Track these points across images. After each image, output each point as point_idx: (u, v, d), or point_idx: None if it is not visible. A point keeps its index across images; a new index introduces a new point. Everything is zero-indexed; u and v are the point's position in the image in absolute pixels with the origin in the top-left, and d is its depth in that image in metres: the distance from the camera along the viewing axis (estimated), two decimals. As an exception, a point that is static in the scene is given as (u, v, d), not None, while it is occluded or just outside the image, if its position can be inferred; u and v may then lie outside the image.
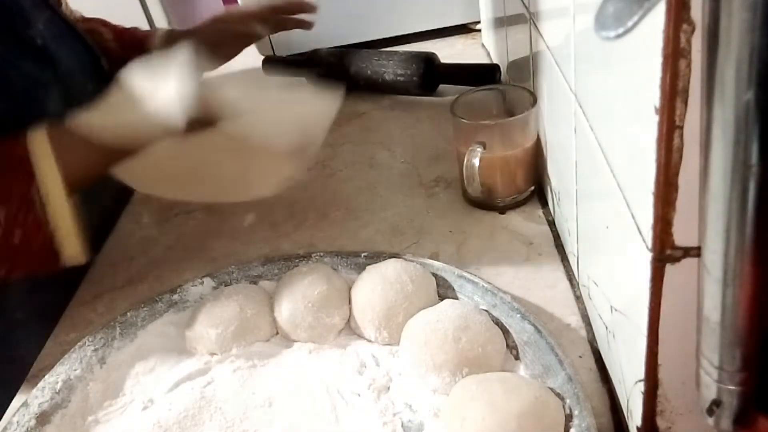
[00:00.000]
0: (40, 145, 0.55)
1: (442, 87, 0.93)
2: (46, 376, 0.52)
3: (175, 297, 0.58)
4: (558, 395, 0.43)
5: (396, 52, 0.94)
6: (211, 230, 0.72)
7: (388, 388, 0.49)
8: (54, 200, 0.54)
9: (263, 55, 1.07)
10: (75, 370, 0.53)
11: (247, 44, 0.87)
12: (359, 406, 0.48)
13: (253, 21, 0.83)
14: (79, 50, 0.76)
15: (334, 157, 0.82)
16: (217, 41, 0.82)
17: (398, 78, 0.92)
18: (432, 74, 0.92)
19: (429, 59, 0.92)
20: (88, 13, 0.87)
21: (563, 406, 0.43)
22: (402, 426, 0.46)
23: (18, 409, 0.50)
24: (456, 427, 0.42)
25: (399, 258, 0.57)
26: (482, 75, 0.89)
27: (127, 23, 0.91)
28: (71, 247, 0.55)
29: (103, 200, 0.77)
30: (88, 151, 0.56)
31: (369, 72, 0.93)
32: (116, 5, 0.92)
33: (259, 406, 0.49)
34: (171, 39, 0.85)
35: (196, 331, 0.54)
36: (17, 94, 0.65)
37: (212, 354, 0.53)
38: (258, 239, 0.68)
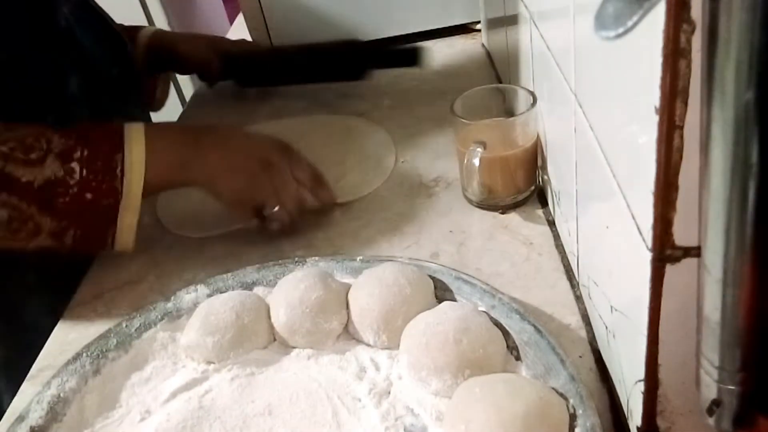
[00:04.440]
0: (136, 132, 0.60)
1: (436, 83, 0.93)
2: (42, 389, 0.51)
3: (169, 305, 0.57)
4: (561, 395, 0.43)
5: (319, 43, 0.96)
6: (211, 230, 0.72)
7: (389, 393, 0.48)
8: (131, 183, 0.58)
9: None
10: (70, 382, 0.52)
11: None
12: (360, 411, 0.47)
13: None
14: (104, 35, 0.79)
15: (334, 157, 0.82)
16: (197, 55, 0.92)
17: (324, 67, 0.95)
18: (356, 59, 0.95)
19: (352, 44, 0.95)
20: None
21: (567, 406, 0.43)
22: (405, 430, 0.45)
23: (13, 423, 0.49)
24: (461, 429, 0.42)
25: (395, 261, 0.57)
26: (405, 58, 0.93)
27: (128, 23, 0.91)
28: (127, 233, 0.60)
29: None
30: (173, 170, 0.62)
31: (295, 67, 0.96)
32: (116, 5, 0.92)
33: (258, 414, 0.48)
34: (155, 41, 0.90)
35: (192, 340, 0.53)
36: (40, 76, 0.67)
37: (209, 363, 0.53)
38: (258, 239, 0.68)
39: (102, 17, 0.80)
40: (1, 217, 0.56)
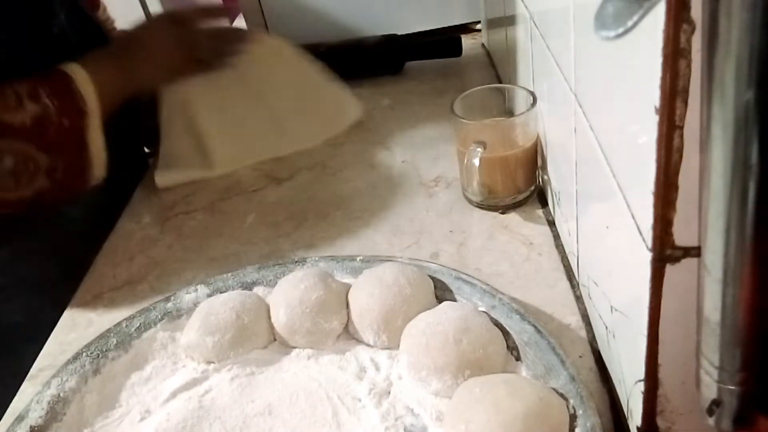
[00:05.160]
0: (76, 67, 0.67)
1: (436, 83, 0.93)
2: (42, 389, 0.51)
3: (169, 305, 0.57)
4: (561, 395, 0.43)
5: (357, 39, 1.00)
6: (211, 230, 0.72)
7: (389, 393, 0.48)
8: (90, 101, 0.66)
9: None
10: (70, 382, 0.52)
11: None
12: (360, 411, 0.47)
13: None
14: (95, 40, 0.80)
15: (334, 157, 0.82)
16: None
17: (363, 60, 0.99)
18: (395, 52, 0.98)
19: (389, 38, 0.99)
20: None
21: (567, 406, 0.42)
22: (405, 430, 0.45)
23: (13, 423, 0.49)
24: (461, 429, 0.42)
25: (395, 261, 0.57)
26: (444, 48, 0.98)
27: (128, 23, 0.91)
28: (98, 155, 0.67)
29: (103, 200, 0.77)
30: (117, 83, 0.71)
31: (333, 63, 0.95)
32: (116, 4, 0.92)
33: (258, 414, 0.48)
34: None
35: (192, 340, 0.53)
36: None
37: (209, 362, 0.53)
38: (258, 239, 0.68)
39: (91, 21, 0.82)
40: (7, 165, 0.61)
